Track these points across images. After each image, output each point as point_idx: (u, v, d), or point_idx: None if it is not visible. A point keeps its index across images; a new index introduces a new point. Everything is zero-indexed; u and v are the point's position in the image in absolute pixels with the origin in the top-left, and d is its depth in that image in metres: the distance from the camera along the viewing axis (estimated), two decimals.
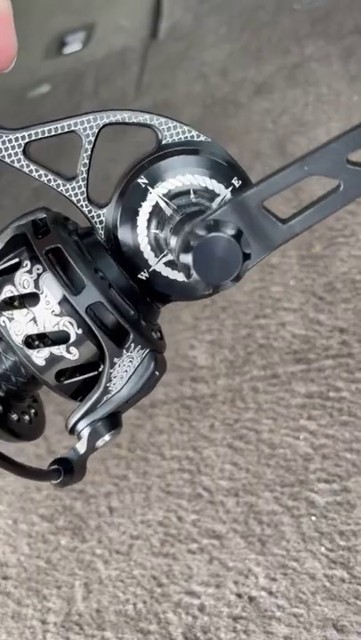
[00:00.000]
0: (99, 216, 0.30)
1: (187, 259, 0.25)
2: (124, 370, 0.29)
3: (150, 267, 0.30)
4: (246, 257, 0.25)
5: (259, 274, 0.83)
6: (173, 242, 0.27)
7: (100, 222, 0.30)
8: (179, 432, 0.72)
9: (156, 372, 0.29)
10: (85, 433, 0.29)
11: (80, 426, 0.30)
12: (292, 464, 0.63)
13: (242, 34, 1.34)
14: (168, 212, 0.29)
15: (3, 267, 0.29)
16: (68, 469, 0.30)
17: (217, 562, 0.60)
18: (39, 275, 0.28)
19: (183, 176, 0.29)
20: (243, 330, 0.79)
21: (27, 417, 0.32)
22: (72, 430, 0.30)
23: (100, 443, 0.30)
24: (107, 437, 0.30)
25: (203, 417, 0.72)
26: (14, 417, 0.31)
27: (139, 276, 0.30)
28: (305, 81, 1.11)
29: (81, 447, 0.30)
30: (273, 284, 0.81)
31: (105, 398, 0.29)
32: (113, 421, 0.30)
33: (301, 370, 0.71)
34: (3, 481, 0.76)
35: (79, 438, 0.30)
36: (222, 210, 0.26)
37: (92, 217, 0.30)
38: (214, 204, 0.29)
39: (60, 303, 0.28)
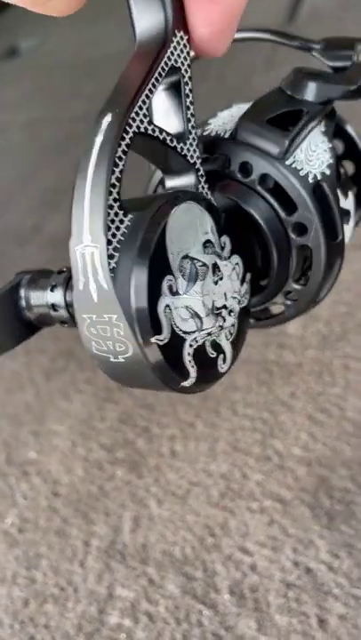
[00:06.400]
0: None
1: None
2: None
3: None
4: None
5: None
6: None
7: None
8: (255, 393, 0.69)
9: None
10: None
11: None
12: None
13: None
14: None
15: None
16: None
17: (277, 525, 0.56)
18: None
19: None
20: (342, 307, 0.75)
21: None
22: None
23: None
24: None
25: (284, 383, 0.69)
26: None
27: None
28: None
29: None
30: None
31: None
32: None
33: None
34: (68, 404, 0.76)
35: None
36: None
37: None
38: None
39: None
